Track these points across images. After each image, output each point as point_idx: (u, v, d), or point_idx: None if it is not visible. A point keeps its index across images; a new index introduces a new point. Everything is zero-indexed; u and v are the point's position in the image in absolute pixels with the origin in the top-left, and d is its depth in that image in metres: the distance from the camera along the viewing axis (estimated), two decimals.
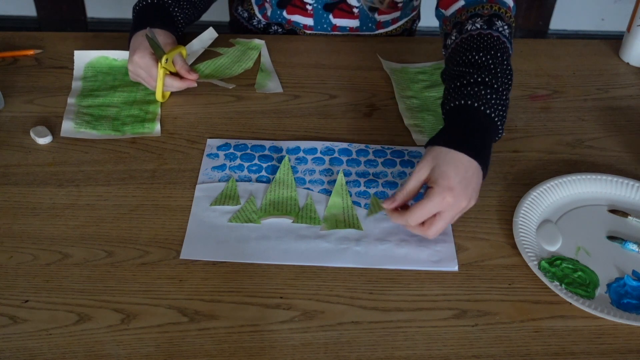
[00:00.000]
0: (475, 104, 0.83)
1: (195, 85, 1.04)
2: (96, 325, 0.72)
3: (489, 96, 0.84)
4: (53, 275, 0.77)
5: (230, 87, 1.07)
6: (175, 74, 1.03)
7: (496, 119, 0.84)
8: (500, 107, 0.85)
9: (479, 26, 0.92)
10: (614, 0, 2.62)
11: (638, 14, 1.13)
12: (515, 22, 0.96)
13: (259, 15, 1.30)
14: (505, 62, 0.89)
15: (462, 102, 0.84)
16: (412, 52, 1.17)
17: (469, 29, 0.93)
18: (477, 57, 0.88)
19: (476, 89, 0.85)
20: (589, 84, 1.12)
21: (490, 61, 0.87)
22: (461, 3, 0.97)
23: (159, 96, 1.02)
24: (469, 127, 0.83)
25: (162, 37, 1.03)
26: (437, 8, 1.03)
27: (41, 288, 0.76)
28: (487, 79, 0.85)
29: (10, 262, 0.79)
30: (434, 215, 0.77)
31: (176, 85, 1.03)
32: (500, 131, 0.86)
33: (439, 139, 0.81)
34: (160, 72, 0.99)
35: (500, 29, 0.92)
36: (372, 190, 0.89)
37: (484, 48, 0.89)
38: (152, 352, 0.70)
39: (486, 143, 0.83)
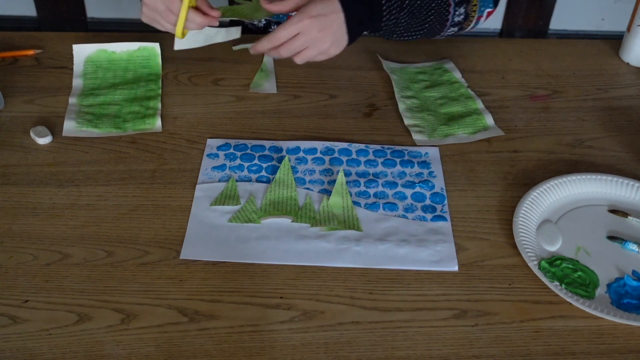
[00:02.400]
0: None
1: (217, 23, 0.97)
2: (96, 325, 0.72)
3: None
4: (53, 275, 0.77)
5: (239, 37, 1.06)
6: (196, 9, 0.95)
7: (384, 4, 0.96)
8: (395, 5, 0.97)
9: None
10: (614, 0, 2.62)
11: (638, 14, 1.13)
12: (475, 22, 1.06)
13: None
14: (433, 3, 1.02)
15: None
16: (412, 52, 1.17)
17: None
18: None
19: None
20: (589, 84, 1.12)
21: None
22: None
23: (179, 30, 0.94)
24: None
25: None
26: None
27: (41, 288, 0.76)
28: None
29: (10, 262, 0.79)
30: (297, 39, 0.88)
31: (198, 20, 0.94)
32: (385, 20, 0.98)
33: None
34: (186, 1, 0.92)
35: (456, 6, 1.03)
36: (372, 190, 0.89)
37: None
38: (152, 352, 0.70)
39: (365, 16, 0.94)
